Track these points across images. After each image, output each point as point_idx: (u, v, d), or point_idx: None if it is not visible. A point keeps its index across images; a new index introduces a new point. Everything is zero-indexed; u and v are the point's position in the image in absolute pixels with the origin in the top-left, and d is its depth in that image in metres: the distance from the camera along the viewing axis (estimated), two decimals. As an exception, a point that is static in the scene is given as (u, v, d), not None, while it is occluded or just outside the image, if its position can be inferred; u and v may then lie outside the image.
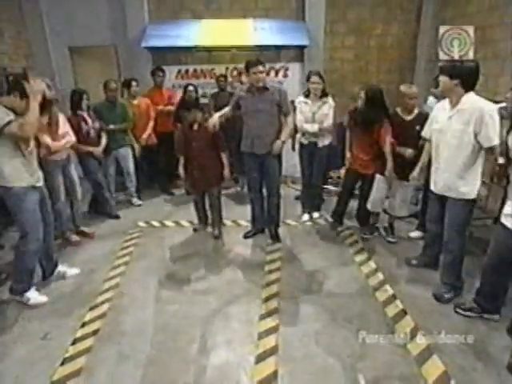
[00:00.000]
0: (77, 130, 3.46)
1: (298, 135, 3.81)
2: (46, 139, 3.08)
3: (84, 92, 3.60)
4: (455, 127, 2.33)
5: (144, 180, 4.60)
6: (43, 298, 2.59)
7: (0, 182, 2.34)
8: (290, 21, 5.08)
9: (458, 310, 2.43)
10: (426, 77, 5.33)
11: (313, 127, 3.59)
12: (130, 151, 4.19)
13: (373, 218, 3.47)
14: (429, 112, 2.88)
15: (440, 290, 2.60)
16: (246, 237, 3.51)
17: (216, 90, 4.75)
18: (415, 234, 3.46)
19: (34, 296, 2.57)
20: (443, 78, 2.33)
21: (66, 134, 3.23)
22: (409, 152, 3.00)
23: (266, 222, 3.54)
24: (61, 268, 2.89)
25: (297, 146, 3.94)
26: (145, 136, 4.31)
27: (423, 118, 2.92)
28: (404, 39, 5.56)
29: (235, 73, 5.06)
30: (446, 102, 2.44)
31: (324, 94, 3.59)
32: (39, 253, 2.57)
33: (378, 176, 3.20)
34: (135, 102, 4.25)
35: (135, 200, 4.41)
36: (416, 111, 3.05)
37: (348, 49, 5.51)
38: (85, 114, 3.62)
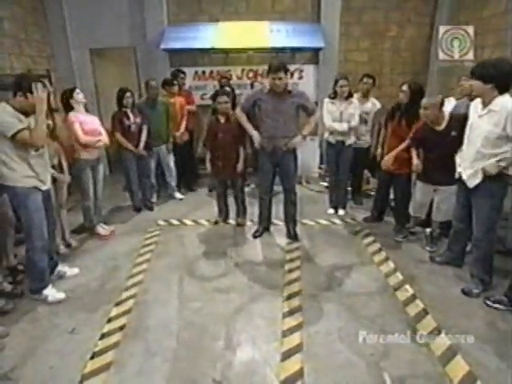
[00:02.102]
0: (119, 124, 3.78)
1: (326, 134, 3.92)
2: (78, 131, 3.20)
3: (126, 90, 3.79)
4: (484, 127, 2.34)
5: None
6: (61, 295, 2.63)
7: (6, 182, 2.40)
8: (305, 23, 5.12)
9: (487, 301, 2.47)
10: (439, 79, 5.34)
11: (342, 126, 3.71)
12: (166, 148, 4.36)
13: (411, 222, 3.41)
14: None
15: (469, 285, 2.64)
16: (255, 236, 3.55)
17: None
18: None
19: (51, 293, 2.62)
20: (475, 83, 2.32)
21: (96, 132, 3.36)
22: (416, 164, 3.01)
23: (284, 221, 3.60)
24: (61, 268, 2.91)
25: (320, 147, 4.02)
26: (178, 133, 4.45)
27: (458, 120, 2.80)
28: (418, 42, 5.57)
29: (251, 74, 5.13)
30: (479, 101, 2.44)
31: (349, 95, 3.73)
32: (46, 250, 2.60)
33: (419, 183, 3.17)
34: (172, 100, 4.39)
35: (177, 194, 4.59)
36: (447, 118, 2.90)
37: (362, 51, 5.53)
38: (128, 110, 3.82)
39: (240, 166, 3.57)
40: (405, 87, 3.21)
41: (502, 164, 2.33)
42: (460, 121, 2.80)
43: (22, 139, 2.30)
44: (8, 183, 2.40)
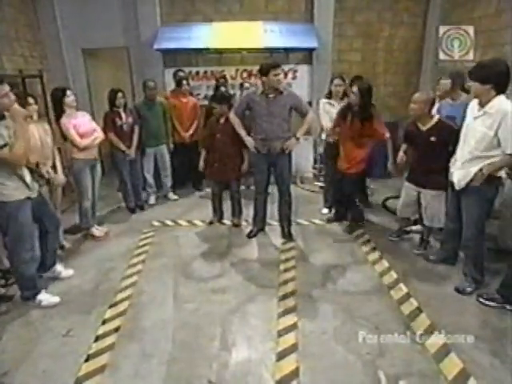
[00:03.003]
0: (111, 124, 3.78)
1: (324, 135, 3.93)
2: (75, 137, 3.17)
3: (118, 91, 3.80)
4: (478, 128, 2.36)
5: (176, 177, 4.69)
6: (55, 299, 2.59)
7: None
8: (299, 24, 5.13)
9: (480, 299, 2.49)
10: (431, 79, 5.38)
11: None
12: (167, 148, 4.37)
13: (402, 222, 3.43)
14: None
15: (462, 283, 2.66)
16: (249, 236, 3.55)
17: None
18: (416, 227, 3.43)
19: (45, 298, 2.57)
20: (474, 84, 2.33)
21: (91, 131, 3.34)
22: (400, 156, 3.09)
23: (279, 221, 3.60)
24: (57, 267, 2.88)
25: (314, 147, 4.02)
26: (188, 134, 4.46)
27: (444, 128, 2.78)
28: (411, 42, 5.61)
29: (245, 74, 5.12)
30: (476, 101, 2.45)
31: (344, 95, 3.76)
32: (35, 260, 2.53)
33: (405, 183, 3.15)
34: (185, 100, 4.37)
35: (171, 195, 4.58)
36: (434, 121, 2.84)
37: (356, 51, 5.56)
38: (120, 110, 3.83)
39: (244, 167, 3.59)
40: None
41: (485, 172, 2.35)
42: (447, 130, 2.77)
43: (1, 158, 2.14)
44: (2, 199, 2.29)
